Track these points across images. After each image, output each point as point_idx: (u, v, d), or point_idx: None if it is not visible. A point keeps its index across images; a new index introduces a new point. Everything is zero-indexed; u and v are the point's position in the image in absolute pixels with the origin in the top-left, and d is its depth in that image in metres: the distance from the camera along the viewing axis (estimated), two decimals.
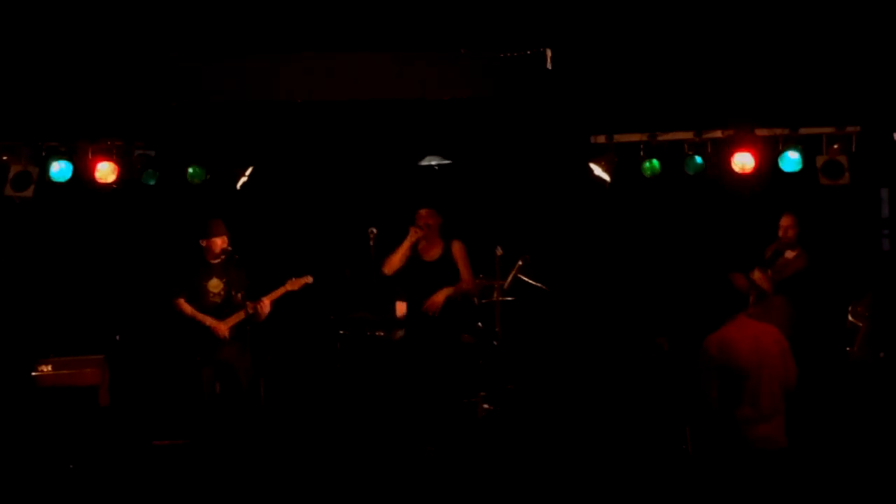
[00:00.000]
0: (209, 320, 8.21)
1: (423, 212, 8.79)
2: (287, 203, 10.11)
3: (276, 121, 9.10)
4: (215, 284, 8.34)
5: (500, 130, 9.26)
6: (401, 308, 9.05)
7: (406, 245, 8.69)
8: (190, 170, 9.23)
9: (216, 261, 8.32)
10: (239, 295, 8.26)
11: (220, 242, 8.27)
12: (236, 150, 9.33)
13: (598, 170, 9.11)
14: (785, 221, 8.71)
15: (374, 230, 8.60)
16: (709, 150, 9.00)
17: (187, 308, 8.27)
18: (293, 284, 8.42)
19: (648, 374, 8.91)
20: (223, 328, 8.19)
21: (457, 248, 8.80)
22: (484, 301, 8.98)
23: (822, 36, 8.47)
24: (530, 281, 9.04)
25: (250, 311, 8.15)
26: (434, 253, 8.84)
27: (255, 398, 8.56)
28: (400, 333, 9.02)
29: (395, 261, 8.72)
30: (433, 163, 9.78)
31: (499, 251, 8.71)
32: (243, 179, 9.24)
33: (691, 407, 6.78)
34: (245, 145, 9.33)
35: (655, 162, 9.09)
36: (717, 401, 6.02)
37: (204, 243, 8.29)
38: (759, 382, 6.03)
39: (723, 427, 6.03)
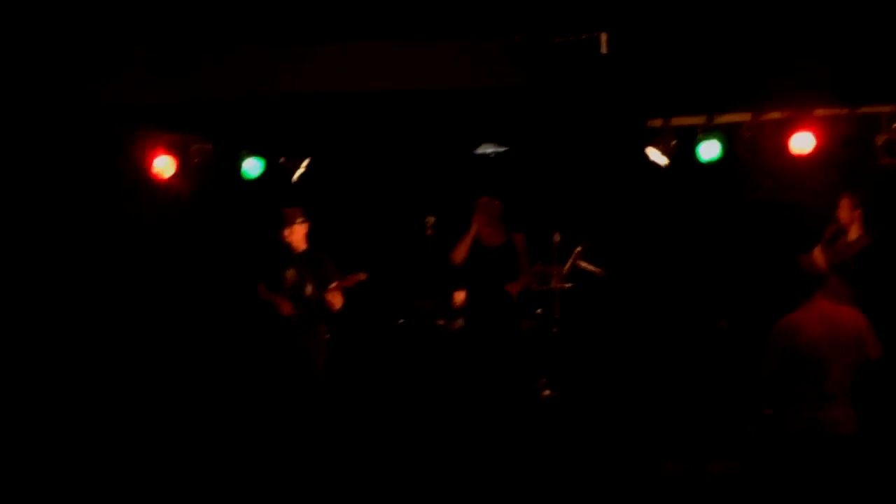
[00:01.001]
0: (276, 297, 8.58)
1: (484, 199, 9.06)
2: (344, 194, 10.20)
3: (332, 112, 9.15)
4: (290, 275, 8.62)
5: (555, 117, 9.26)
6: (459, 297, 9.19)
7: (472, 233, 8.95)
8: (248, 162, 9.37)
9: (296, 251, 8.62)
10: (309, 288, 8.55)
11: (299, 231, 8.57)
12: (293, 142, 9.49)
13: (654, 154, 9.19)
14: (844, 202, 8.78)
15: (432, 219, 8.92)
16: (767, 131, 8.97)
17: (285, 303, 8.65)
18: (350, 280, 8.62)
19: (710, 358, 9.03)
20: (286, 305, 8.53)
21: (520, 241, 9.07)
22: (543, 288, 9.11)
23: (882, 11, 8.36)
24: (589, 267, 9.19)
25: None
26: (495, 240, 9.10)
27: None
28: (460, 322, 9.17)
29: (463, 250, 9.01)
30: (489, 151, 9.85)
31: (557, 238, 9.02)
32: (300, 171, 9.45)
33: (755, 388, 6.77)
34: (302, 138, 9.46)
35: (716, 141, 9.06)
36: (775, 383, 6.03)
37: (285, 233, 8.57)
38: (827, 367, 6.02)
39: (784, 410, 6.05)
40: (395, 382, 9.23)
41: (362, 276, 8.53)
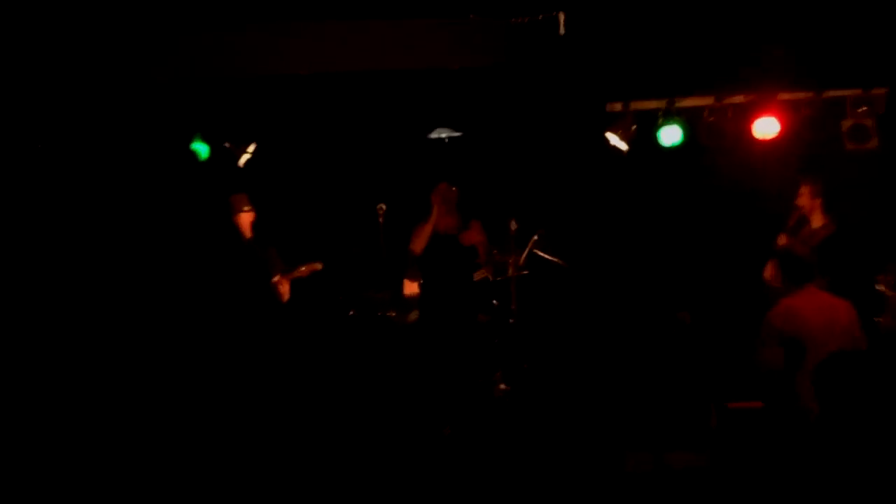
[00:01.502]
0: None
1: (442, 186, 8.92)
2: (292, 180, 10.00)
3: (280, 95, 9.02)
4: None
5: (511, 100, 9.16)
6: (410, 287, 9.06)
7: (432, 221, 8.80)
8: (194, 146, 9.14)
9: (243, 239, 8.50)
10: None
11: (245, 218, 8.46)
12: (239, 126, 9.29)
13: (614, 139, 9.03)
14: (804, 189, 8.59)
15: (384, 206, 8.73)
16: (730, 115, 8.87)
17: None
18: (302, 270, 8.55)
19: (670, 350, 8.90)
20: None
21: (475, 228, 8.93)
22: (499, 278, 8.97)
23: None
24: (546, 256, 9.04)
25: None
26: (450, 227, 8.96)
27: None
28: (414, 314, 9.06)
29: (423, 239, 8.85)
30: (443, 135, 9.71)
31: (513, 225, 8.77)
32: (246, 156, 9.25)
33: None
34: (247, 121, 9.28)
35: (678, 126, 8.93)
36: (777, 372, 6.09)
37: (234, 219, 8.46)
38: (826, 353, 5.84)
39: (785, 396, 6.08)
40: (344, 377, 8.98)
41: (318, 266, 8.44)
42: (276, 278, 8.50)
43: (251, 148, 9.28)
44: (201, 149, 9.16)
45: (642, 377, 8.88)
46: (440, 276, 8.95)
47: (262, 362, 8.38)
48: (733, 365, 7.91)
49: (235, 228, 8.53)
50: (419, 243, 8.85)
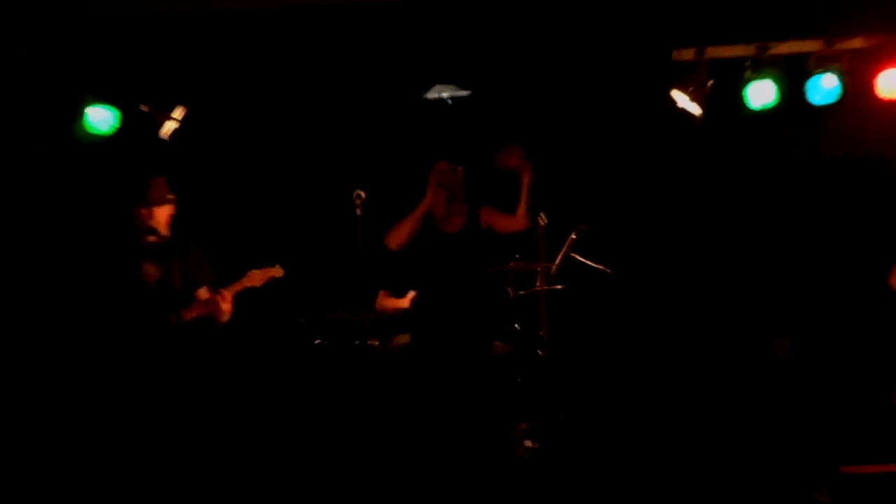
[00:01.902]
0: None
1: (441, 166, 7.77)
2: (235, 158, 8.83)
3: (215, 39, 7.57)
4: (149, 271, 7.26)
5: (541, 46, 7.72)
6: (384, 300, 7.80)
7: (420, 211, 7.67)
8: (95, 112, 7.63)
9: (154, 238, 7.23)
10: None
11: (161, 211, 7.23)
12: (160, 83, 7.88)
13: (682, 99, 7.67)
14: None
15: (362, 194, 7.41)
16: (844, 65, 7.46)
17: None
18: (254, 278, 7.34)
19: (762, 393, 8.00)
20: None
21: (485, 213, 7.74)
22: (522, 293, 7.74)
23: None
24: (588, 262, 7.81)
25: (196, 312, 7.11)
26: (456, 223, 7.77)
27: None
28: (402, 340, 7.77)
29: (404, 232, 7.77)
30: (445, 95, 8.38)
31: (542, 220, 7.64)
32: (172, 125, 7.80)
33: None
34: (173, 77, 7.90)
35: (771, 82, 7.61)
36: None
37: (138, 212, 7.22)
38: None
39: None
40: (306, 431, 7.76)
41: (276, 272, 7.26)
42: (202, 292, 7.20)
43: (178, 113, 7.82)
44: (103, 115, 7.66)
45: (724, 432, 7.83)
46: (438, 288, 7.62)
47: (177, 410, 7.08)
48: (851, 411, 7.15)
49: (137, 224, 7.22)
50: (396, 236, 7.59)
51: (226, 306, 7.20)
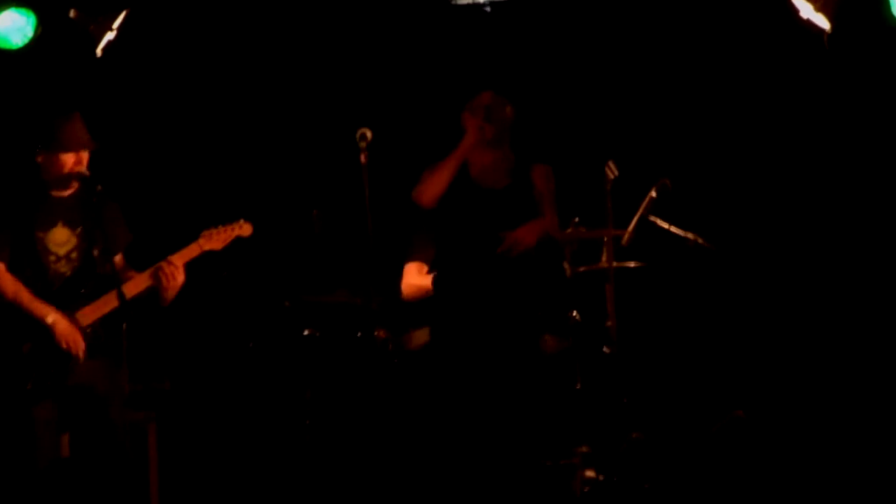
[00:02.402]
0: (45, 311, 6.07)
1: (485, 97, 6.70)
2: (194, 82, 7.63)
3: None
4: (61, 238, 6.25)
5: None
6: (414, 277, 6.63)
7: (461, 153, 6.52)
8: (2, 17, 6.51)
9: (64, 193, 6.21)
10: (105, 259, 6.22)
11: (72, 159, 6.10)
12: None
13: (806, 9, 6.33)
14: None
15: (368, 133, 6.22)
16: None
17: (8, 285, 6.10)
18: (214, 239, 6.23)
19: None
20: (72, 332, 6.05)
21: (541, 175, 6.78)
22: (583, 269, 6.47)
23: None
24: (672, 228, 6.52)
25: (134, 289, 6.00)
26: (500, 176, 6.61)
27: (139, 457, 6.61)
28: (421, 335, 6.52)
29: (441, 181, 6.49)
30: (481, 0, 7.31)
31: (612, 172, 6.34)
32: (109, 37, 6.54)
33: None
34: None
35: None
36: None
37: (42, 159, 6.18)
38: None
39: None
40: (293, 444, 6.68)
41: (243, 229, 6.12)
42: (118, 259, 6.08)
43: (117, 22, 6.56)
44: (15, 21, 6.59)
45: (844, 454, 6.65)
46: (475, 261, 6.45)
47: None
48: None
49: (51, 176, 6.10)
50: (431, 189, 6.47)
51: (178, 279, 6.03)
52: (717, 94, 7.56)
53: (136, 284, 6.18)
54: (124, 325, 6.28)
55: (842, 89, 7.46)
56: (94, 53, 6.85)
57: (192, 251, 6.22)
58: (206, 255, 6.27)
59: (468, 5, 7.38)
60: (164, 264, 6.08)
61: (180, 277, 6.18)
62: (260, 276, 7.43)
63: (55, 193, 6.28)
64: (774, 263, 7.70)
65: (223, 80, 7.84)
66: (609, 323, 6.62)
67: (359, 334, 6.72)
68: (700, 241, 6.66)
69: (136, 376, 6.61)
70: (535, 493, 6.59)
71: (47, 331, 6.15)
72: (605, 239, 6.57)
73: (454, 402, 6.45)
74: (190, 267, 6.18)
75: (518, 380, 6.50)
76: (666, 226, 6.61)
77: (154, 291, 6.24)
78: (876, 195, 7.44)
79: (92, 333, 6.31)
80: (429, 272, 6.79)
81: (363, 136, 6.25)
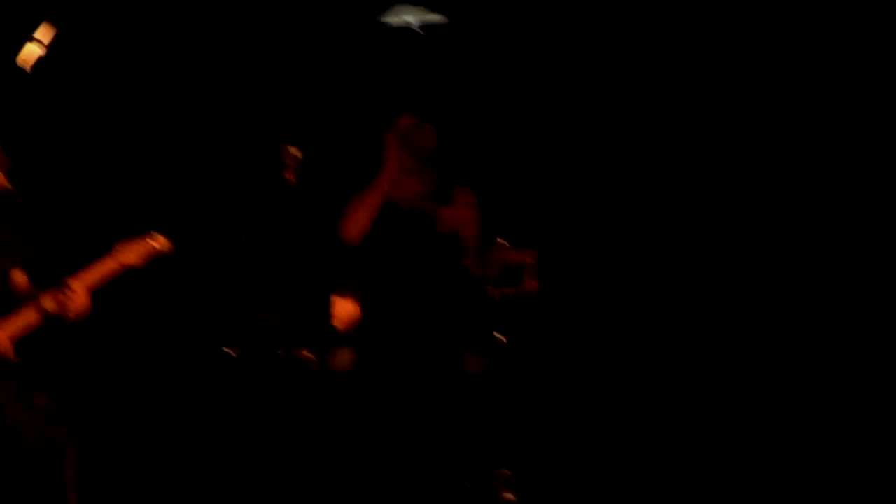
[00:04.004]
0: None
1: (406, 121, 6.71)
2: (114, 94, 7.53)
3: None
4: None
5: None
6: (342, 306, 6.78)
7: (381, 186, 6.59)
8: None
9: None
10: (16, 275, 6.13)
11: None
12: None
13: None
14: None
15: (297, 152, 6.35)
16: None
17: None
18: (126, 254, 6.11)
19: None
20: None
21: (465, 202, 6.77)
22: (509, 291, 6.66)
23: None
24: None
25: (45, 308, 5.97)
26: (418, 195, 6.73)
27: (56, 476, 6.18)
28: (345, 356, 6.67)
29: (365, 216, 6.65)
30: (410, 20, 7.44)
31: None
32: (35, 50, 6.65)
33: None
34: None
35: None
36: None
37: None
38: None
39: None
40: (213, 469, 6.82)
41: (160, 244, 6.19)
42: (18, 275, 6.06)
43: (43, 34, 6.68)
44: None
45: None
46: (398, 285, 6.61)
47: None
48: None
49: None
50: (357, 224, 6.54)
51: (78, 302, 6.07)
52: (639, 120, 7.57)
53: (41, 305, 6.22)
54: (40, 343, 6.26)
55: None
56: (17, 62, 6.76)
57: (101, 269, 6.24)
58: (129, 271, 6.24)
59: (398, 27, 7.45)
60: (61, 287, 6.14)
61: (79, 303, 6.19)
62: (182, 293, 7.38)
63: None
64: (688, 276, 7.64)
65: (150, 93, 7.70)
66: (532, 343, 6.92)
67: (281, 353, 6.72)
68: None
69: (53, 393, 6.60)
70: None
71: None
72: (528, 262, 6.65)
73: (375, 423, 6.51)
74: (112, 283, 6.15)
75: (440, 401, 6.56)
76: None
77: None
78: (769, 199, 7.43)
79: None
80: (355, 297, 6.86)
81: (290, 155, 6.33)
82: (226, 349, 6.84)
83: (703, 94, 7.45)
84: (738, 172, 7.53)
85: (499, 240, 6.69)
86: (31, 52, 6.61)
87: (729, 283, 7.53)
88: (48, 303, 5.97)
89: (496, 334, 6.72)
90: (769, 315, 7.39)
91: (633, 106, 7.64)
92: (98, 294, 6.13)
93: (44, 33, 6.61)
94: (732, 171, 7.55)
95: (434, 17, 7.33)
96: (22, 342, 5.99)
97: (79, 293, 5.95)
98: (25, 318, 6.01)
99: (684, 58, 7.54)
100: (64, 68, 7.31)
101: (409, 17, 7.29)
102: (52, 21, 6.72)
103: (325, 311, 6.83)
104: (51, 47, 6.77)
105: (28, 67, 6.69)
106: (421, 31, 7.47)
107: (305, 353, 6.66)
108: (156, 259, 6.26)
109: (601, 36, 7.62)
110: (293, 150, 6.37)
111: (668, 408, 7.51)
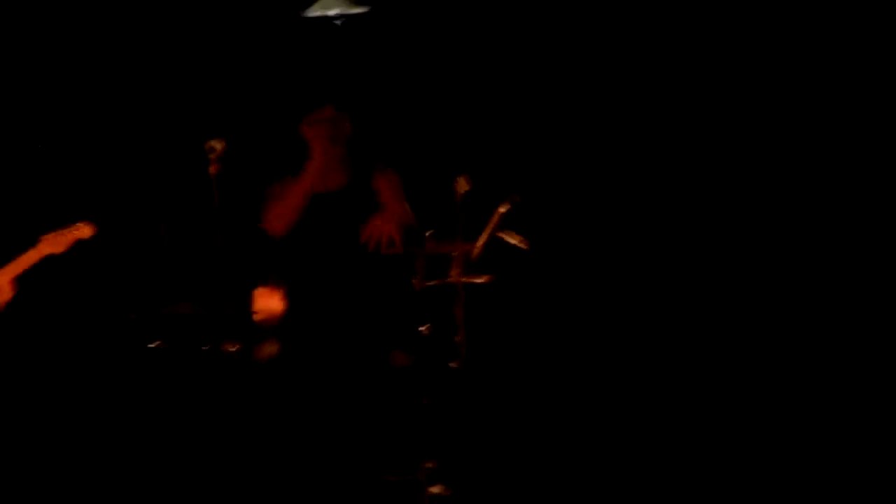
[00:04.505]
0: None
1: (327, 112, 6.67)
2: (41, 81, 7.50)
3: None
4: None
5: None
6: (266, 300, 6.79)
7: (308, 178, 6.53)
8: None
9: None
10: None
11: None
12: None
13: None
14: None
15: (218, 146, 6.37)
16: None
17: None
18: (54, 242, 6.42)
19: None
20: None
21: (385, 179, 6.72)
22: (432, 283, 6.69)
23: None
24: (520, 244, 6.68)
25: None
26: (336, 180, 6.66)
27: None
28: (271, 349, 6.66)
29: (291, 207, 6.51)
30: (332, 13, 7.44)
31: (462, 187, 6.52)
32: None
33: None
34: None
35: None
36: None
37: None
38: None
39: None
40: (136, 465, 6.70)
41: (83, 231, 6.46)
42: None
43: None
44: None
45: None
46: (321, 276, 6.55)
47: None
48: None
49: None
50: (282, 217, 6.49)
51: (2, 296, 6.25)
52: (572, 106, 7.56)
53: None
54: None
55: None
56: None
57: (28, 259, 6.39)
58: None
59: (318, 18, 7.43)
60: None
61: (4, 295, 6.28)
62: (106, 288, 7.33)
63: None
64: (624, 281, 7.66)
65: (74, 83, 7.64)
66: (458, 338, 6.72)
67: (206, 346, 6.72)
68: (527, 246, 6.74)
69: None
70: None
71: None
72: (455, 253, 6.65)
73: (301, 416, 6.46)
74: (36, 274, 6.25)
75: (365, 394, 6.51)
76: (513, 241, 6.67)
77: None
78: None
79: None
80: (279, 290, 6.80)
81: (212, 148, 6.36)
82: (150, 345, 6.77)
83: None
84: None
85: (426, 233, 6.69)
86: None
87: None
88: None
89: (420, 328, 6.71)
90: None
91: (553, 87, 7.58)
92: (21, 286, 6.26)
93: None
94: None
95: (355, 9, 7.33)
96: None
97: (2, 286, 6.13)
98: None
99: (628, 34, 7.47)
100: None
101: (330, 10, 7.30)
102: None
103: (249, 304, 6.80)
104: None
105: None
106: (338, 23, 7.44)
107: (229, 346, 6.67)
108: (78, 247, 6.42)
109: (520, 22, 7.55)
110: (215, 143, 6.36)
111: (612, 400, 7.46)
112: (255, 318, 6.76)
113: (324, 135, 6.65)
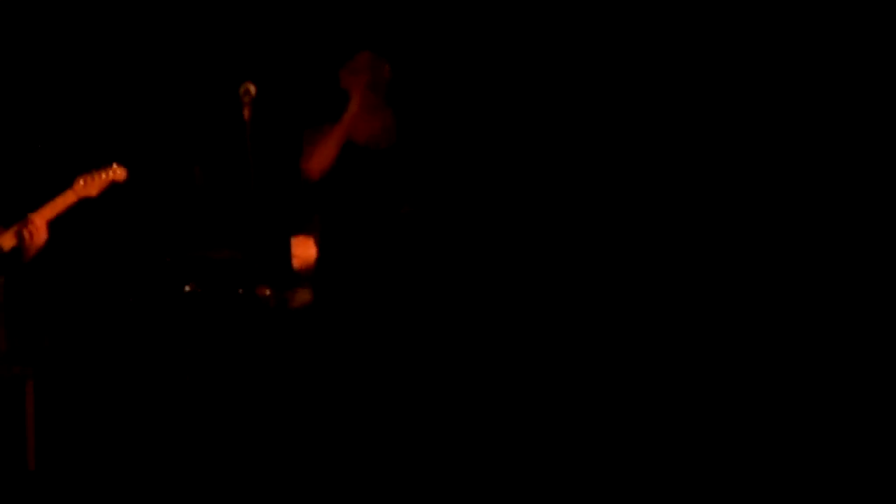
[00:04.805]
0: None
1: (365, 58, 6.64)
2: (71, 27, 7.31)
3: None
4: None
5: None
6: (302, 246, 6.70)
7: (346, 123, 6.46)
8: None
9: None
10: None
11: None
12: None
13: None
14: None
15: (252, 87, 6.32)
16: None
17: None
18: (89, 185, 6.40)
19: None
20: None
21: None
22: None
23: None
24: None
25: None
26: (377, 134, 6.64)
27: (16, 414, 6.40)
28: (304, 294, 6.68)
29: (329, 151, 6.42)
30: None
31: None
32: None
33: None
34: None
35: None
36: None
37: None
38: None
39: None
40: (176, 412, 6.67)
41: (117, 174, 6.45)
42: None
43: None
44: None
45: None
46: (359, 225, 6.53)
47: None
48: None
49: None
50: (320, 160, 6.44)
51: (39, 238, 6.23)
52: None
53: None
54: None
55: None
56: None
57: (64, 201, 6.37)
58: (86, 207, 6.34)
59: None
60: (26, 223, 6.20)
61: (41, 237, 6.26)
62: (141, 231, 7.30)
63: None
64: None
65: (103, 29, 7.49)
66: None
67: (241, 291, 6.69)
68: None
69: (12, 333, 6.51)
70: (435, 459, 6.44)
71: None
72: None
73: (336, 364, 6.45)
74: (72, 219, 6.24)
75: (397, 344, 6.46)
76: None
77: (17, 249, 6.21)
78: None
79: None
80: (316, 237, 6.78)
81: (247, 91, 6.31)
82: (186, 287, 6.74)
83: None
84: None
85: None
86: None
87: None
88: (7, 240, 6.07)
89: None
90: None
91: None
92: (56, 231, 6.24)
93: None
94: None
95: None
96: None
97: (40, 229, 6.12)
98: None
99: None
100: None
101: None
102: None
103: (285, 249, 6.75)
104: None
105: None
106: None
107: (263, 290, 6.67)
108: (112, 190, 6.43)
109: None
110: (250, 87, 6.31)
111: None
112: (294, 262, 6.69)
113: (362, 81, 6.59)
